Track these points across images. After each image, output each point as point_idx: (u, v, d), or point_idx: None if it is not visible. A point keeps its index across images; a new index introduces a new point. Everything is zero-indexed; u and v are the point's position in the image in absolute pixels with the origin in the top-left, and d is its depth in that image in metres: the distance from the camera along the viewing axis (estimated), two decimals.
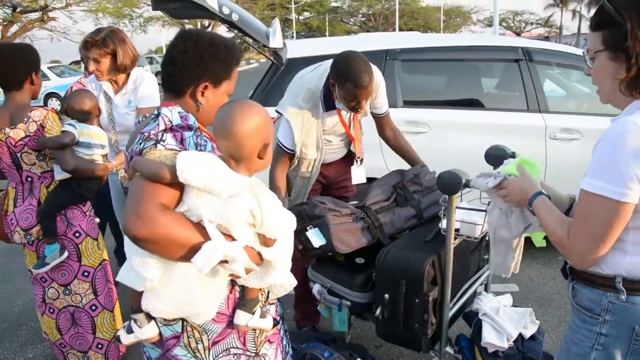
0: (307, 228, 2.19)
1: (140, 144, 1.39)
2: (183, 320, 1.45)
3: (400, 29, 41.84)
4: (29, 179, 2.41)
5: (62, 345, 2.64)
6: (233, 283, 1.47)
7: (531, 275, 3.74)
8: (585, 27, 54.39)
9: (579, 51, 3.94)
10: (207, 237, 1.27)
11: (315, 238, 2.19)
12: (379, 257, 2.20)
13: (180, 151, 1.35)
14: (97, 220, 2.73)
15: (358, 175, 2.76)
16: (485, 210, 2.15)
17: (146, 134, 1.40)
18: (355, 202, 2.37)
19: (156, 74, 3.69)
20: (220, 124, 1.35)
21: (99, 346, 2.65)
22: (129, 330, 1.51)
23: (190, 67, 1.50)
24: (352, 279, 2.36)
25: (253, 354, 1.54)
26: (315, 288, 2.45)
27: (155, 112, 1.47)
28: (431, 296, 2.08)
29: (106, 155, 3.11)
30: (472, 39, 4.32)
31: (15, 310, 3.56)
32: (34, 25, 23.98)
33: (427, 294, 2.07)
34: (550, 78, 4.19)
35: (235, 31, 3.56)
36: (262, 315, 1.50)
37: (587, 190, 1.25)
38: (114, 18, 28.62)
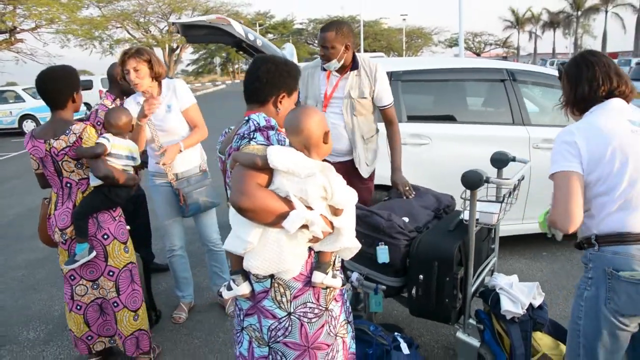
0: (379, 243, 2.61)
1: (238, 142, 1.86)
2: (271, 278, 1.85)
3: (365, 51, 42.96)
4: (68, 185, 2.74)
5: (89, 338, 2.92)
6: (310, 250, 1.87)
7: (521, 268, 4.24)
8: (540, 47, 56.86)
9: (552, 71, 4.52)
10: (291, 207, 1.71)
11: (382, 255, 2.61)
12: (412, 245, 2.62)
13: (267, 145, 1.79)
14: (128, 227, 2.97)
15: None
16: (499, 202, 2.63)
17: (241, 134, 1.87)
18: (408, 220, 2.77)
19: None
20: (290, 125, 1.78)
21: (120, 336, 2.92)
22: (229, 288, 1.91)
23: (273, 82, 1.98)
24: (387, 266, 2.77)
25: (324, 308, 1.93)
26: (354, 276, 2.85)
27: (246, 118, 1.91)
28: (459, 275, 2.51)
29: (142, 165, 3.44)
30: (464, 62, 4.85)
31: (56, 314, 3.79)
32: (1, 47, 23.68)
33: (456, 272, 2.50)
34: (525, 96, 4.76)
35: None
36: (333, 276, 1.91)
37: (551, 173, 1.88)
38: (81, 41, 28.49)
